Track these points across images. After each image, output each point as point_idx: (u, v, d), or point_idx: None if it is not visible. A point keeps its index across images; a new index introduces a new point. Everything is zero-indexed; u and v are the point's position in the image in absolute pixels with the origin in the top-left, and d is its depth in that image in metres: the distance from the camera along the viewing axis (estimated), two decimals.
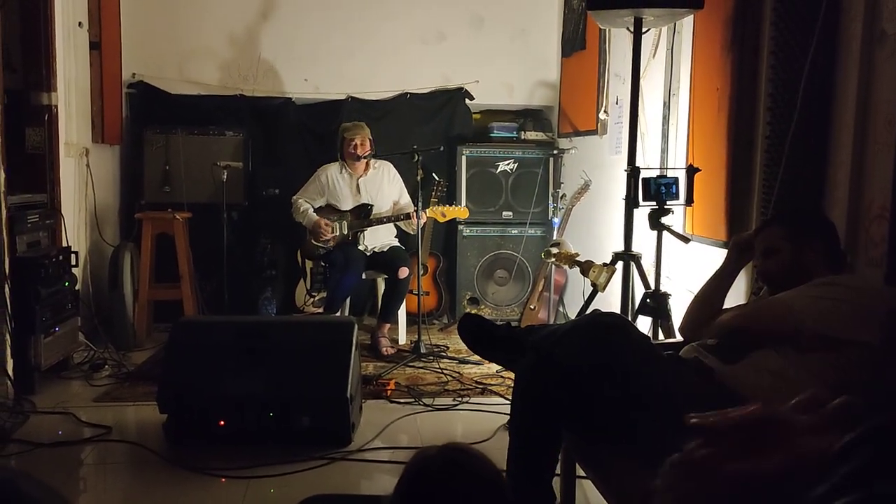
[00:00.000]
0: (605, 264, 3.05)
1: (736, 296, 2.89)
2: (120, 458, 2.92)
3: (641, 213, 2.94)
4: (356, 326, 3.11)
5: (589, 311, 2.90)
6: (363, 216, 4.53)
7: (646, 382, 1.82)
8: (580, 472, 2.39)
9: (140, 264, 4.54)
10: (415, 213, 4.34)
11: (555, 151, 5.17)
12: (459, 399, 3.56)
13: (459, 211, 4.63)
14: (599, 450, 1.99)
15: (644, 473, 1.73)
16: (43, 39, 3.85)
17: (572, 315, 4.43)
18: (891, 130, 2.06)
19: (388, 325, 4.49)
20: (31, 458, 2.86)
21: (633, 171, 2.85)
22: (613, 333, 1.90)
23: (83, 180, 4.42)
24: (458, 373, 3.95)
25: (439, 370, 3.99)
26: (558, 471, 2.32)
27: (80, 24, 4.35)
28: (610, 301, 3.51)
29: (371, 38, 5.27)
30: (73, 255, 3.90)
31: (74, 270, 3.93)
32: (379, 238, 4.63)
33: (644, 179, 2.82)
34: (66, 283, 3.80)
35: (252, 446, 2.87)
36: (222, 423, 2.92)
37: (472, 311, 5.08)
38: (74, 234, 4.24)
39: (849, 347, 1.80)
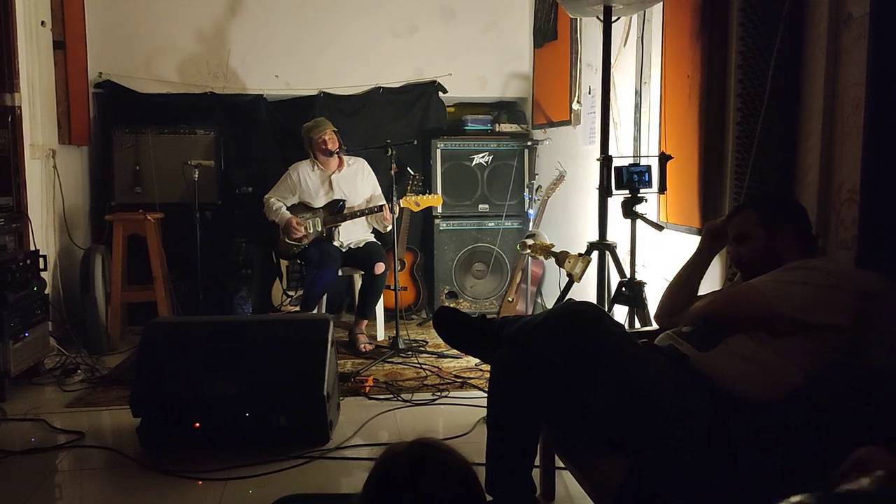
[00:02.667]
0: (580, 254, 3.05)
1: (710, 282, 2.90)
2: (94, 463, 2.87)
3: (616, 203, 2.94)
4: (331, 323, 3.07)
5: (564, 301, 2.89)
6: (336, 212, 4.49)
7: (619, 371, 1.81)
8: (559, 463, 2.38)
9: (112, 266, 4.47)
10: (388, 207, 4.32)
11: (529, 143, 5.17)
12: (438, 394, 3.54)
13: (433, 199, 4.60)
14: (577, 440, 1.99)
15: (618, 461, 1.73)
16: (4, 39, 3.76)
17: (550, 306, 4.43)
18: (858, 114, 2.07)
19: (365, 322, 4.46)
20: (2, 467, 2.80)
21: (605, 160, 2.85)
22: (587, 323, 1.89)
23: (50, 182, 4.34)
24: (437, 367, 3.94)
25: (418, 365, 3.97)
26: (537, 462, 2.32)
27: (42, 22, 4.26)
28: (586, 291, 3.51)
29: (342, 31, 5.23)
30: (41, 259, 3.82)
31: (44, 274, 3.85)
32: (354, 234, 4.60)
33: (616, 168, 2.82)
34: (35, 288, 3.73)
35: (228, 448, 2.83)
36: (197, 424, 2.88)
37: (451, 305, 5.06)
38: (43, 237, 4.16)
39: (821, 331, 1.81)
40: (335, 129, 4.53)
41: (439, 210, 5.09)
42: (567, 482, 2.51)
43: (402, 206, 4.46)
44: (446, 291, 5.20)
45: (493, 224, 5.20)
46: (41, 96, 4.22)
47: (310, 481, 2.64)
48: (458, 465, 1.07)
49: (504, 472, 2.02)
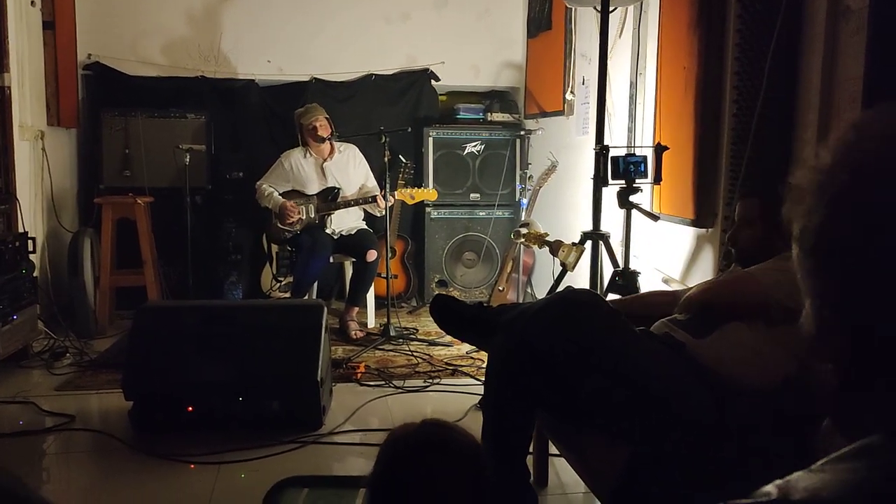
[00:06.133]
0: (574, 244, 3.06)
1: (703, 273, 2.93)
2: (84, 446, 2.86)
3: (609, 192, 2.95)
4: (325, 309, 3.07)
5: (563, 289, 2.90)
6: (330, 200, 4.48)
7: (616, 361, 1.83)
8: (553, 450, 2.40)
9: (101, 250, 4.44)
10: (381, 196, 4.31)
11: (521, 132, 5.17)
12: (430, 381, 3.55)
13: (428, 193, 4.60)
14: (573, 427, 2.00)
15: (616, 451, 1.74)
16: None
17: (540, 296, 4.44)
18: (855, 107, 2.09)
19: (356, 309, 4.45)
20: None
21: (602, 150, 2.86)
22: (584, 310, 1.90)
23: (39, 164, 4.29)
24: (428, 355, 3.94)
25: (409, 352, 3.98)
26: (531, 449, 2.33)
27: (32, 2, 4.20)
28: (579, 281, 3.52)
29: (335, 17, 5.19)
30: (30, 242, 3.78)
31: (32, 257, 3.82)
32: (346, 221, 4.58)
33: (613, 158, 2.83)
34: (24, 270, 3.69)
35: (221, 432, 2.83)
36: (190, 408, 2.87)
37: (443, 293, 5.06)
38: (31, 219, 4.11)
39: None
40: (327, 116, 4.51)
41: None
42: (559, 469, 2.53)
43: (396, 197, 4.45)
44: (436, 280, 5.21)
45: (484, 213, 5.20)
46: (30, 77, 4.17)
47: (302, 466, 2.64)
48: (467, 446, 1.08)
49: (499, 458, 2.03)
